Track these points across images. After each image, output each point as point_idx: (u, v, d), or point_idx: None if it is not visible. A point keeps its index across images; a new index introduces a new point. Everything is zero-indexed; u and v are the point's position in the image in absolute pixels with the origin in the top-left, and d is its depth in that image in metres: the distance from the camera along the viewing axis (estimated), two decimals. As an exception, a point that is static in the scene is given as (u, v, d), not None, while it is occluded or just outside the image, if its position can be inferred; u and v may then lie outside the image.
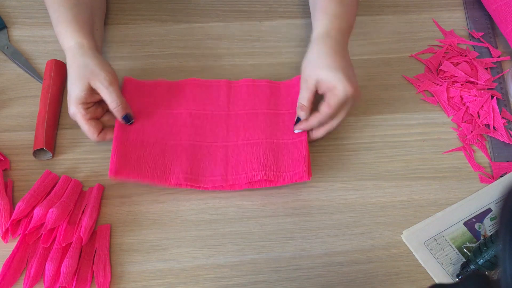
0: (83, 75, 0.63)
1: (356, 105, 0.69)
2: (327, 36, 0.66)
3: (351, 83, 0.63)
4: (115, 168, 0.63)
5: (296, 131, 0.67)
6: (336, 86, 0.63)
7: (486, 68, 0.78)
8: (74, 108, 0.64)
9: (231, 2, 0.81)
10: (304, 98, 0.66)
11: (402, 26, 0.82)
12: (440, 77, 0.77)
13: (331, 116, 0.65)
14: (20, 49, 0.75)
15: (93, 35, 0.68)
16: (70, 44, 0.65)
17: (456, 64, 0.78)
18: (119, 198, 0.65)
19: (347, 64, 0.65)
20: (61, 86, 0.72)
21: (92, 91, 0.64)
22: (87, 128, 0.64)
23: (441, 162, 0.71)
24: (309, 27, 0.80)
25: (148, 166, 0.64)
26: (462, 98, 0.75)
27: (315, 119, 0.65)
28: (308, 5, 0.75)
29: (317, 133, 0.67)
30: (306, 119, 0.66)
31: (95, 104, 0.65)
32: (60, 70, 0.72)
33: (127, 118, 0.66)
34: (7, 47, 0.74)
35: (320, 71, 0.64)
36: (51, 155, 0.67)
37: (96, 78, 0.63)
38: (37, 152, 0.67)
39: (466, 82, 0.76)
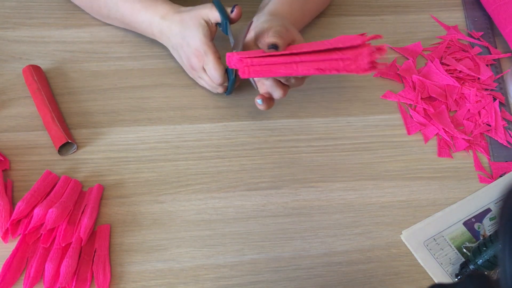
0: (194, 17, 0.66)
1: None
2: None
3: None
4: (242, 71, 0.61)
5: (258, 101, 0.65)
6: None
7: (487, 65, 0.78)
8: (206, 47, 0.65)
9: (231, 2, 0.81)
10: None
11: (402, 26, 0.82)
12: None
13: None
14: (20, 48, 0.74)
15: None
16: (164, 11, 0.68)
17: (459, 60, 0.78)
18: (119, 198, 0.65)
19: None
20: (49, 88, 0.71)
21: (209, 24, 0.67)
22: (217, 67, 0.65)
23: (440, 162, 0.71)
24: (308, 27, 0.80)
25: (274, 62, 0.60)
26: (464, 96, 0.75)
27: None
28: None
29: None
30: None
31: None
32: (40, 73, 0.71)
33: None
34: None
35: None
36: (76, 146, 0.67)
37: (206, 9, 0.66)
38: (61, 149, 0.67)
39: (469, 79, 0.76)
